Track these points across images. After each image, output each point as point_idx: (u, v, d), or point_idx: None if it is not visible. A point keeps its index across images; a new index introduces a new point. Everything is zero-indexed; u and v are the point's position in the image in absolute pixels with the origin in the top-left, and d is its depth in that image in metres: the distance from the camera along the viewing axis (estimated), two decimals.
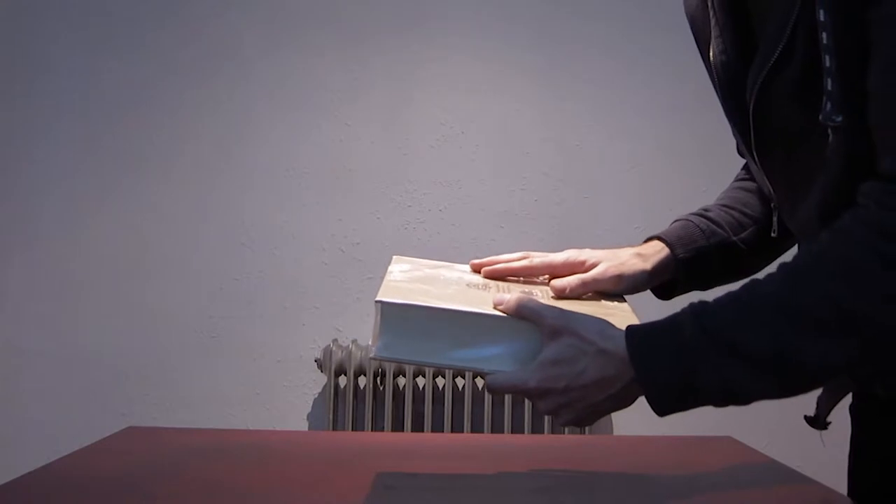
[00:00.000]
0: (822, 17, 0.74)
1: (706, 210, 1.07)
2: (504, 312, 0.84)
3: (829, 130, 0.77)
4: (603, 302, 0.97)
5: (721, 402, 0.79)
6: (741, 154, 1.13)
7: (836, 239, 0.76)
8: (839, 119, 0.76)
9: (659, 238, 1.03)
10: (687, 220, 1.05)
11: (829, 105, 0.76)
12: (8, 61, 2.67)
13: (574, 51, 2.65)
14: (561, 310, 0.84)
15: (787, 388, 0.79)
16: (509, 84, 2.65)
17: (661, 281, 1.03)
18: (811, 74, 0.77)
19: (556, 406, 0.83)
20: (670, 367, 0.77)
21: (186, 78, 2.66)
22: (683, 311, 0.79)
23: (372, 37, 2.66)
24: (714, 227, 1.03)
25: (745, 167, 1.14)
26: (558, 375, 0.81)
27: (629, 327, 0.81)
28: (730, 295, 0.79)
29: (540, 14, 2.66)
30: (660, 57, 2.59)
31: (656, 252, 1.02)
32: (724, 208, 1.07)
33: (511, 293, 0.88)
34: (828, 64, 0.75)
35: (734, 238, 1.03)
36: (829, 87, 0.76)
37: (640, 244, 1.04)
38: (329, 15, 2.67)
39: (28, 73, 2.67)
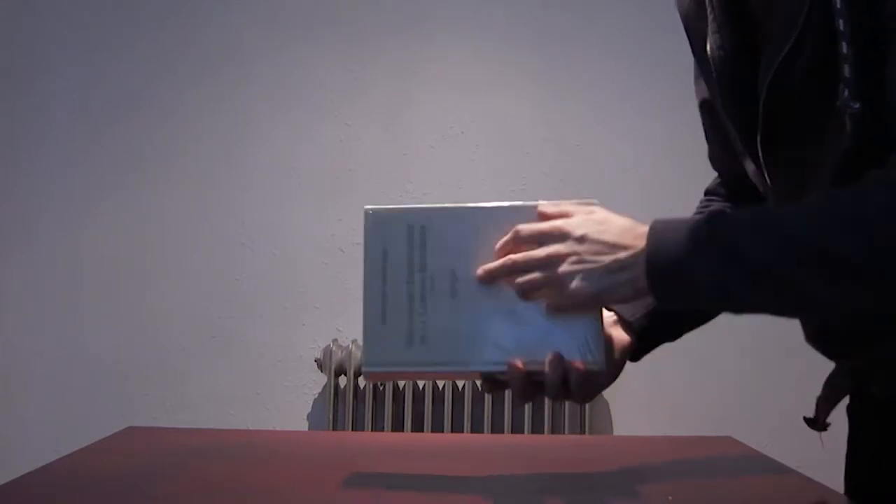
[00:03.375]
0: (838, 5, 0.74)
1: None
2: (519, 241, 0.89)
3: (847, 118, 0.77)
4: None
5: (714, 299, 0.81)
6: (713, 160, 1.13)
7: (857, 189, 0.75)
8: (857, 106, 0.76)
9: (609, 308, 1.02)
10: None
11: (846, 92, 0.76)
12: (8, 61, 2.67)
13: (574, 51, 2.65)
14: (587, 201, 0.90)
15: (776, 308, 0.80)
16: (509, 84, 2.65)
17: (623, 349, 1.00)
18: (825, 64, 0.77)
19: (566, 252, 0.85)
20: (675, 250, 0.79)
21: (186, 78, 2.66)
22: (703, 214, 0.84)
23: (372, 37, 2.66)
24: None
25: (708, 192, 1.14)
26: (582, 223, 0.85)
27: (654, 222, 0.83)
28: (748, 209, 0.84)
29: (540, 14, 2.66)
30: (660, 57, 2.59)
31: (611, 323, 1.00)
32: None
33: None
34: (845, 51, 0.75)
35: None
36: (847, 74, 0.76)
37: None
38: (329, 15, 2.67)
39: (28, 73, 2.67)
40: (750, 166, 0.94)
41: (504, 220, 0.89)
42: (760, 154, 0.89)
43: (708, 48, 0.90)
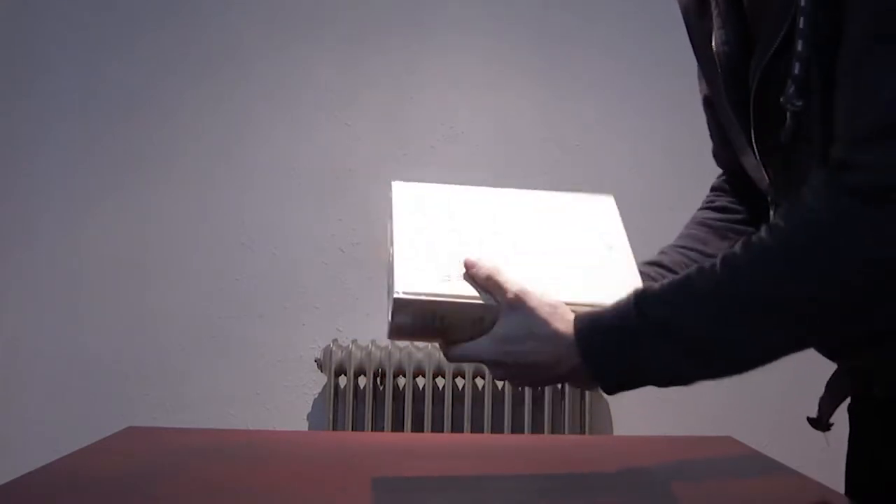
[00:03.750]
0: (802, 3, 0.75)
1: (662, 253, 1.07)
2: (473, 277, 0.89)
3: (788, 114, 0.78)
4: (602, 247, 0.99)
5: (664, 383, 0.82)
6: (716, 156, 1.13)
7: (774, 230, 0.77)
8: (799, 104, 0.77)
9: None
10: (644, 273, 1.05)
11: (791, 88, 0.77)
12: (8, 61, 2.67)
13: (574, 51, 2.65)
14: (521, 286, 0.87)
15: (724, 371, 0.81)
16: (509, 84, 2.65)
17: None
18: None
19: (508, 376, 0.90)
20: (614, 351, 0.81)
21: (186, 78, 2.66)
22: (628, 296, 0.82)
23: (372, 37, 2.66)
24: (669, 274, 1.03)
25: (714, 189, 1.15)
26: (508, 352, 0.86)
27: (577, 315, 0.84)
28: (672, 282, 0.82)
29: (540, 14, 2.66)
30: (660, 57, 2.59)
31: None
32: (680, 249, 1.08)
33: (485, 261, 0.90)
34: (799, 48, 0.76)
35: None
36: (796, 72, 0.77)
37: None
38: (329, 15, 2.67)
39: (28, 73, 2.67)
40: (751, 162, 0.94)
41: (527, 201, 1.00)
42: (755, 150, 0.90)
43: (713, 44, 0.90)
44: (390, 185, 0.97)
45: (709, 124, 1.11)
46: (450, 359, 0.91)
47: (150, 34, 2.66)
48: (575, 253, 0.95)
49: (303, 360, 2.59)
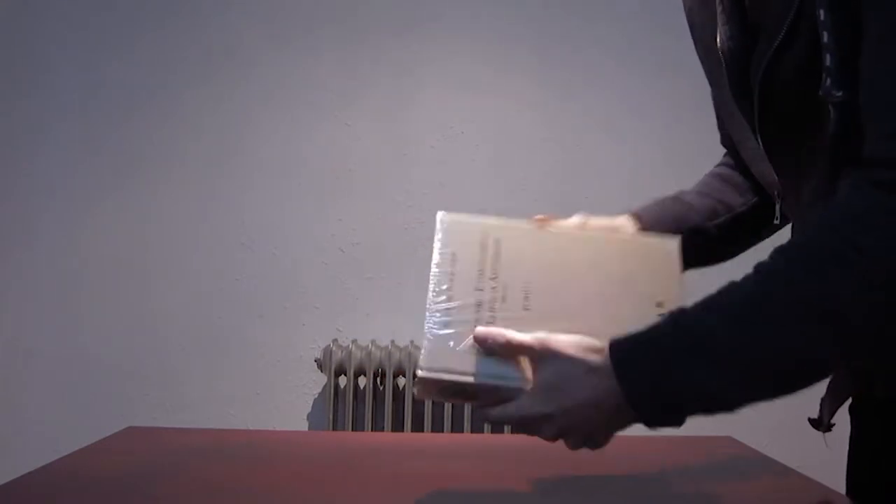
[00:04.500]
0: None
1: (682, 193, 1.08)
2: (489, 351, 0.83)
3: (830, 107, 0.77)
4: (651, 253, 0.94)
5: (709, 411, 0.76)
6: (725, 145, 1.13)
7: (810, 235, 0.75)
8: (840, 94, 0.76)
9: (635, 216, 1.05)
10: (664, 202, 1.07)
11: (828, 80, 0.76)
12: (8, 61, 2.67)
13: (574, 51, 2.65)
14: (541, 336, 0.81)
15: (773, 391, 0.76)
16: (509, 84, 2.65)
17: None
18: (815, 55, 0.77)
19: (559, 431, 0.81)
20: (652, 382, 0.75)
21: (186, 78, 2.66)
22: (664, 319, 0.77)
23: (372, 37, 2.66)
24: (688, 211, 1.04)
25: (725, 156, 1.15)
26: (550, 400, 0.79)
27: (612, 343, 0.78)
28: (708, 299, 0.76)
29: (540, 14, 2.66)
30: (660, 57, 2.59)
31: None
32: (700, 195, 1.08)
33: (496, 329, 0.85)
34: (825, 40, 0.75)
35: (707, 224, 1.04)
36: (828, 63, 0.76)
37: (617, 216, 1.05)
38: (329, 15, 2.67)
39: (28, 73, 2.67)
40: (754, 156, 0.94)
41: (581, 247, 0.90)
42: (761, 145, 0.90)
43: (718, 40, 0.90)
44: (436, 217, 0.90)
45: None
46: (489, 420, 0.84)
47: (150, 34, 2.66)
48: (619, 311, 0.87)
49: (303, 360, 2.59)
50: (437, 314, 0.85)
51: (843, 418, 1.00)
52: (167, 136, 2.65)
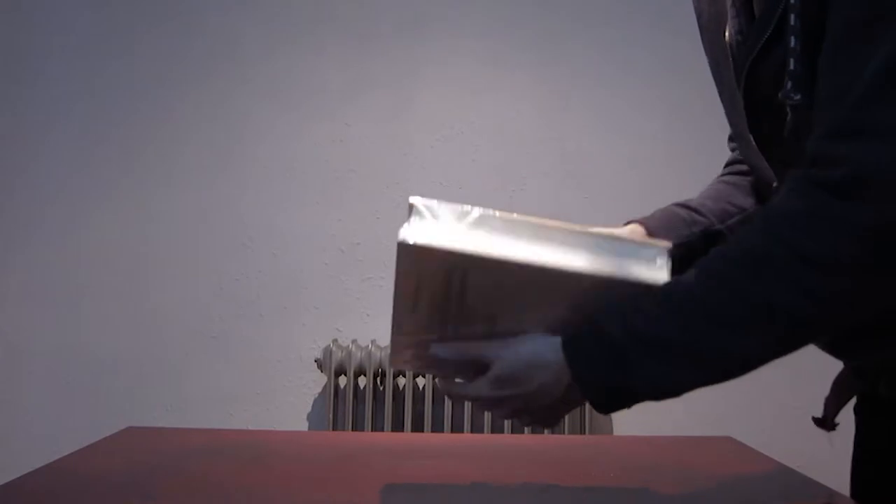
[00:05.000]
0: (792, 0, 0.76)
1: (689, 200, 1.07)
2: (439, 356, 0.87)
3: (788, 109, 0.79)
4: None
5: (655, 396, 0.80)
6: (733, 140, 1.13)
7: (746, 231, 0.77)
8: (798, 97, 0.78)
9: (641, 223, 1.03)
10: (669, 209, 1.06)
11: (789, 84, 0.78)
12: (8, 61, 2.67)
13: (574, 51, 2.65)
14: (494, 345, 0.85)
15: (712, 379, 0.80)
16: (509, 84, 2.65)
17: None
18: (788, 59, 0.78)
19: (513, 411, 0.87)
20: (602, 369, 0.79)
21: (186, 78, 2.66)
22: (609, 311, 0.80)
23: (372, 37, 2.66)
24: (696, 216, 1.04)
25: (729, 163, 1.14)
26: (504, 384, 0.84)
27: (564, 336, 0.82)
28: (653, 293, 0.79)
29: (540, 14, 2.66)
30: (660, 57, 2.59)
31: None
32: (710, 198, 1.07)
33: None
34: (793, 45, 0.77)
35: (718, 226, 1.04)
36: (791, 67, 0.78)
37: (621, 226, 1.03)
38: (329, 15, 2.67)
39: (28, 73, 2.67)
40: (752, 151, 0.94)
41: (555, 284, 0.80)
42: (752, 140, 0.90)
43: (727, 34, 0.90)
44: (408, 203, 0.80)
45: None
46: (448, 395, 0.91)
47: (150, 34, 2.67)
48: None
49: (303, 360, 2.60)
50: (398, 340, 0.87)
51: (847, 418, 1.00)
52: (167, 136, 2.65)
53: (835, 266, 0.71)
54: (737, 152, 1.14)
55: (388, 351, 2.49)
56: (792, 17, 0.76)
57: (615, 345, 0.78)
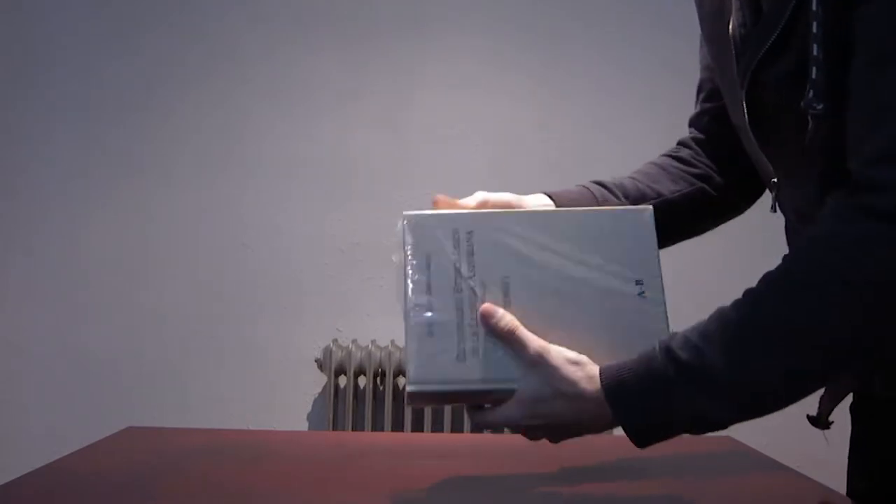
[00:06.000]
0: (814, 7, 0.75)
1: (611, 179, 1.07)
2: (492, 329, 0.83)
3: (810, 117, 0.78)
4: None
5: (698, 430, 0.79)
6: (696, 126, 1.13)
7: (794, 258, 0.76)
8: (820, 107, 0.77)
9: (550, 195, 1.04)
10: (583, 186, 1.06)
11: (811, 92, 0.77)
12: (8, 61, 2.67)
13: (573, 50, 2.65)
14: (541, 343, 0.82)
15: (758, 411, 0.78)
16: (509, 84, 2.65)
17: None
18: (804, 63, 0.78)
19: (541, 436, 0.87)
20: (644, 405, 0.78)
21: (186, 78, 2.66)
22: (654, 347, 0.78)
23: (372, 37, 2.66)
24: (609, 195, 1.04)
25: (678, 143, 1.14)
26: (536, 414, 0.82)
27: (602, 368, 0.80)
28: (697, 324, 0.78)
29: (540, 14, 2.66)
30: (659, 56, 2.59)
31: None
32: (631, 179, 1.08)
33: (504, 317, 0.84)
34: (815, 53, 0.76)
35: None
36: (814, 76, 0.77)
37: (527, 195, 1.05)
38: (329, 15, 2.67)
39: (28, 73, 2.67)
40: (750, 145, 0.94)
41: (553, 226, 0.87)
42: (752, 137, 0.90)
43: (730, 26, 0.90)
44: (402, 216, 0.87)
45: (700, 90, 1.10)
46: (477, 425, 0.87)
47: (150, 34, 2.67)
48: (600, 294, 0.85)
49: (303, 360, 2.59)
50: (419, 326, 0.83)
51: (844, 418, 1.00)
52: (167, 136, 2.65)
53: (880, 292, 0.70)
54: (694, 135, 1.15)
55: (388, 351, 2.50)
56: (814, 24, 0.75)
57: (658, 381, 0.76)
